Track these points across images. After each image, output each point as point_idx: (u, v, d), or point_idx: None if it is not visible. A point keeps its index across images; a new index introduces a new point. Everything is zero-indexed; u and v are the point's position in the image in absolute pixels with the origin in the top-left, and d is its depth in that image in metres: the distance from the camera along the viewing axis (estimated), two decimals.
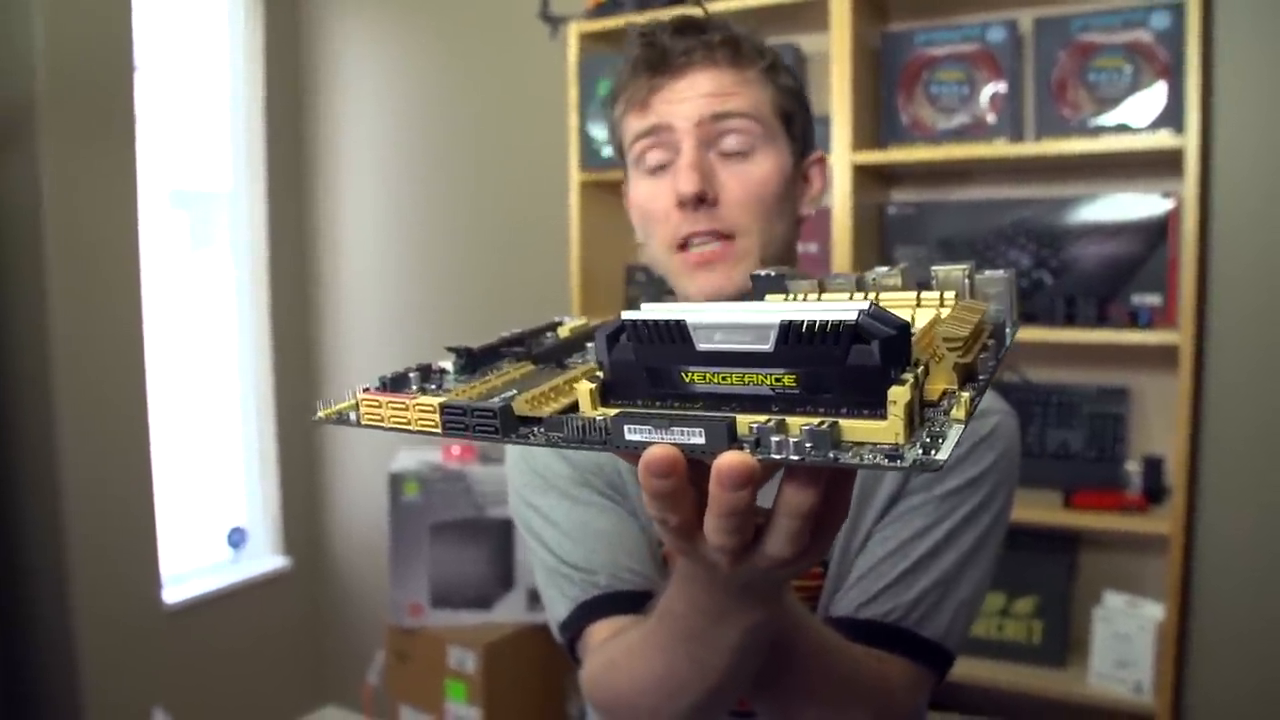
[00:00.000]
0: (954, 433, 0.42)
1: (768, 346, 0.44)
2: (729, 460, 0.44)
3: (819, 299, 0.61)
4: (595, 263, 2.51)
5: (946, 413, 0.44)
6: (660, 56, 0.96)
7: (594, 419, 0.47)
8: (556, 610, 1.02)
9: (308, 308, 3.23)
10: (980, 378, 0.49)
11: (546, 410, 0.49)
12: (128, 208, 2.62)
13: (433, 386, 0.55)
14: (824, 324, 0.43)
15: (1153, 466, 2.06)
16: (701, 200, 0.94)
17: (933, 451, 0.41)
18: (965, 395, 0.44)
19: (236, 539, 3.05)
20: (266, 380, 3.11)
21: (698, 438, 0.44)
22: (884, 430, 0.42)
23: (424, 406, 0.50)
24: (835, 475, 0.51)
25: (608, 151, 2.41)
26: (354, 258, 3.14)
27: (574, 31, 2.42)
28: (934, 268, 0.62)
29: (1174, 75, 1.98)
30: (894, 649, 0.94)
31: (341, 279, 3.17)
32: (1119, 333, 2.01)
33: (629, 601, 0.96)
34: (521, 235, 2.83)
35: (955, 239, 2.26)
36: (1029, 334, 2.07)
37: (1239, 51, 1.98)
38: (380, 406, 0.52)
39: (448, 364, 0.60)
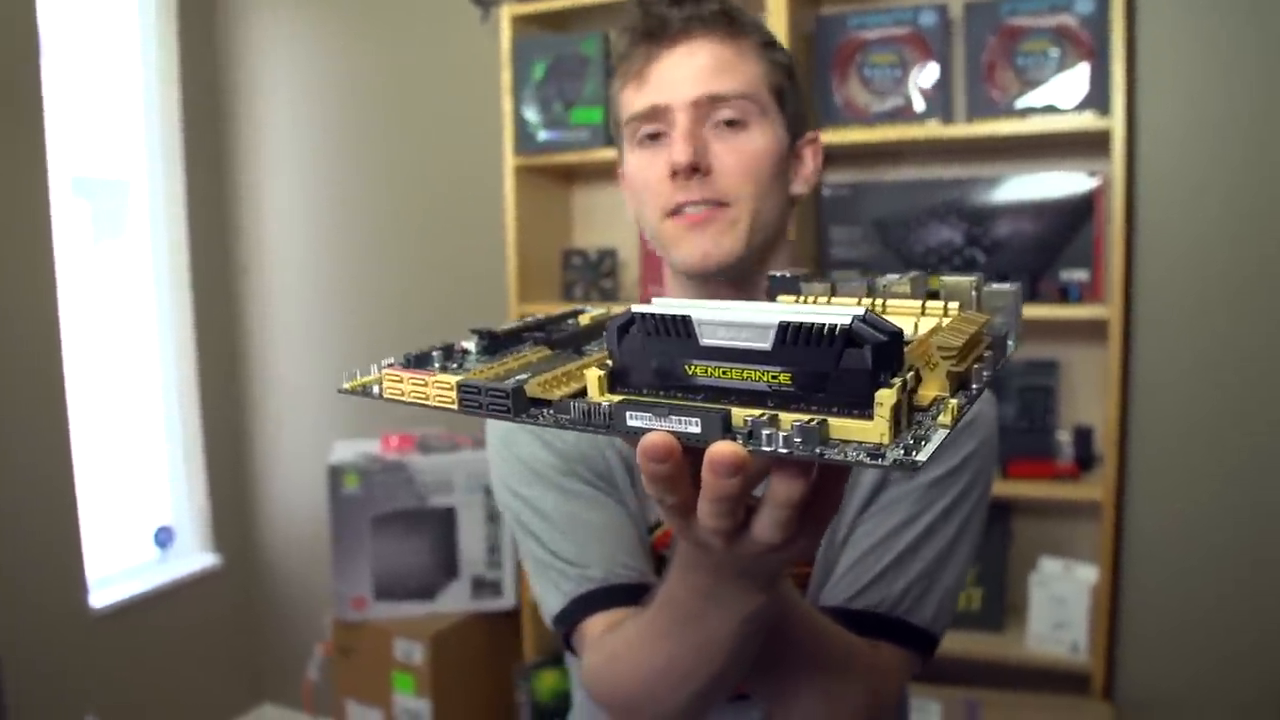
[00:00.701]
0: (937, 436, 0.45)
1: (766, 345, 0.47)
2: (720, 449, 0.47)
3: (829, 302, 0.64)
4: (532, 249, 2.50)
5: (934, 418, 0.46)
6: (659, 24, 0.97)
7: (599, 404, 0.50)
8: (549, 603, 1.01)
9: (231, 298, 3.14)
10: (974, 386, 0.51)
11: (557, 394, 0.52)
12: (37, 195, 2.51)
13: (454, 365, 0.58)
14: (820, 326, 0.46)
15: (1083, 436, 2.15)
16: (694, 170, 0.95)
17: (914, 453, 0.43)
18: (954, 402, 0.46)
19: (164, 538, 2.96)
20: (190, 373, 3.02)
21: (694, 427, 0.47)
22: (870, 430, 0.44)
23: (442, 384, 0.53)
24: (827, 470, 0.53)
25: (543, 135, 2.40)
26: (279, 246, 3.06)
27: (506, 14, 2.40)
28: (942, 278, 0.65)
29: (1098, 58, 2.04)
30: (884, 637, 0.96)
31: (266, 268, 3.09)
32: (1050, 308, 2.08)
33: (624, 594, 0.97)
34: (456, 222, 2.79)
35: (889, 219, 2.31)
36: None
37: (1162, 35, 2.06)
38: (402, 381, 0.55)
39: (470, 344, 0.62)
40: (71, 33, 2.72)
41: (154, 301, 2.97)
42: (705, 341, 0.49)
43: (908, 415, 0.45)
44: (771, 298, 0.67)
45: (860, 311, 0.46)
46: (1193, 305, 2.07)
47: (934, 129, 2.19)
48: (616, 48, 1.02)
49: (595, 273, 2.51)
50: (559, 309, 0.70)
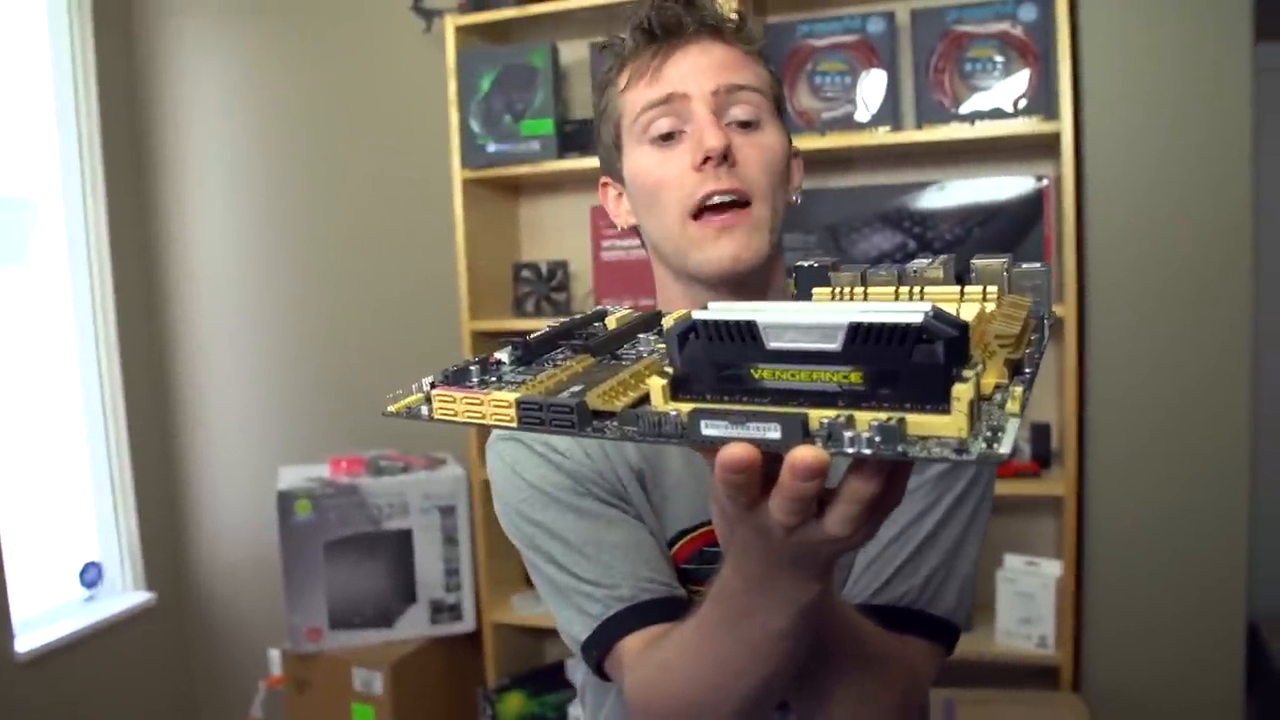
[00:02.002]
0: (1012, 426, 0.45)
1: (836, 346, 0.47)
2: (804, 455, 0.47)
3: (864, 292, 0.64)
4: (482, 262, 2.45)
5: (1000, 406, 0.47)
6: (675, 24, 0.96)
7: (669, 414, 0.49)
8: (575, 629, 0.98)
9: (157, 320, 3.00)
10: (1026, 370, 0.52)
11: (618, 404, 0.52)
12: None
13: (492, 379, 0.57)
14: (892, 325, 0.46)
15: (1040, 433, 2.19)
16: (724, 157, 0.93)
17: (995, 445, 0.44)
18: (1018, 390, 0.47)
19: (91, 576, 2.81)
20: (116, 402, 2.87)
21: (774, 433, 0.47)
22: (948, 425, 0.44)
23: (499, 402, 0.53)
24: (897, 465, 0.53)
25: (492, 147, 2.35)
26: (210, 267, 2.94)
27: (450, 25, 2.35)
28: (974, 260, 0.65)
29: (1043, 64, 2.10)
30: (911, 630, 0.96)
31: (194, 290, 2.96)
32: None
33: (656, 609, 0.94)
34: (403, 237, 2.72)
35: (840, 225, 2.33)
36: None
37: (1103, 40, 2.12)
38: (454, 402, 0.54)
39: (504, 355, 0.61)
40: None
41: (73, 327, 2.82)
42: (772, 345, 0.48)
43: (979, 407, 0.46)
44: (801, 289, 0.67)
45: (928, 308, 0.46)
46: (1144, 303, 2.14)
47: (883, 135, 2.22)
48: (620, 51, 1.00)
49: (547, 286, 2.48)
50: (512, 324, 0.69)
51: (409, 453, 2.59)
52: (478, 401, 0.53)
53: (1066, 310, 2.06)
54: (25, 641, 2.55)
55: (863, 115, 2.25)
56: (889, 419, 0.45)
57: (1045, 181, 2.18)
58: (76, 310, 2.82)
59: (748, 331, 0.49)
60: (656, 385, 0.51)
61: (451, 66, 2.35)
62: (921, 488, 0.99)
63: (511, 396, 0.52)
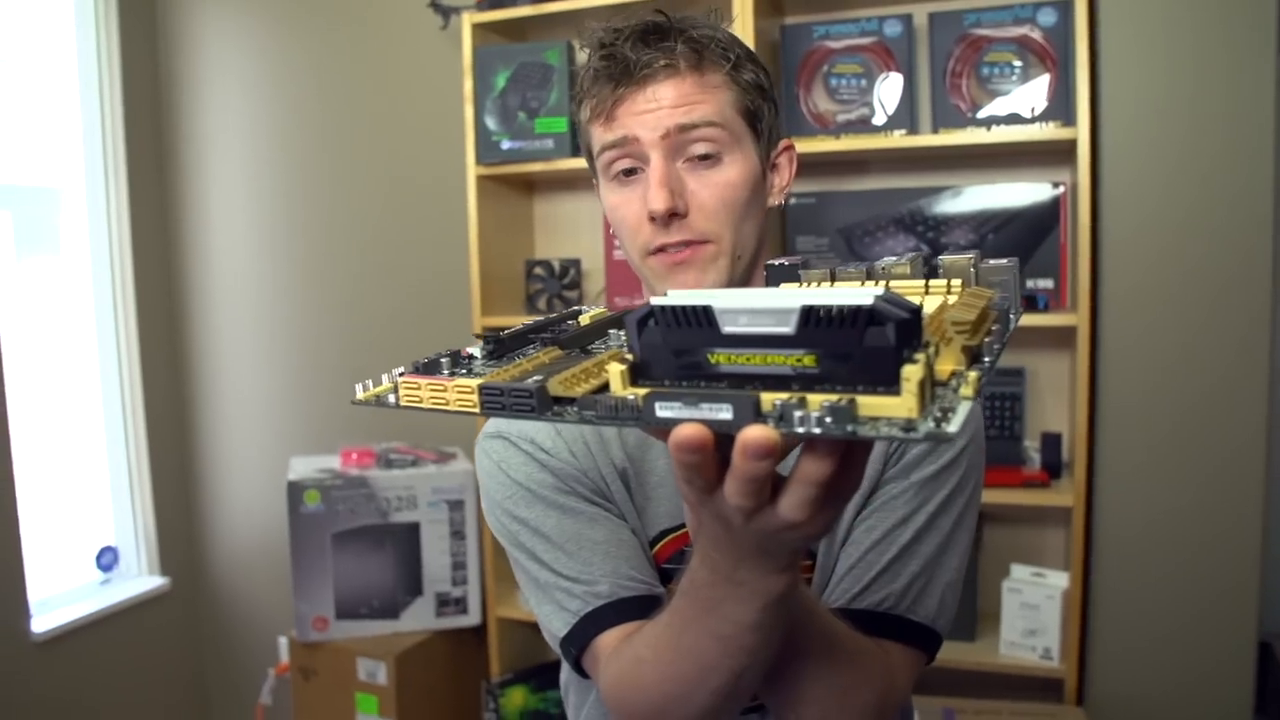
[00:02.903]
0: (963, 407, 0.46)
1: (790, 329, 0.48)
2: (753, 434, 0.48)
3: (831, 286, 0.65)
4: (494, 259, 2.46)
5: (955, 390, 0.48)
6: (622, 69, 0.96)
7: (626, 397, 0.50)
8: (554, 625, 0.99)
9: (175, 310, 3.04)
10: (985, 359, 0.53)
11: (578, 390, 0.53)
12: None
13: (463, 371, 0.59)
14: (843, 308, 0.46)
15: (1051, 443, 2.17)
16: (672, 216, 0.95)
17: (944, 424, 0.44)
18: (973, 374, 0.48)
19: (107, 560, 2.85)
20: (134, 389, 2.91)
21: (725, 413, 0.48)
22: (898, 405, 0.45)
23: (463, 388, 0.54)
24: (851, 448, 0.54)
25: (506, 145, 2.36)
26: (228, 257, 2.97)
27: (467, 22, 2.35)
28: (941, 256, 0.66)
29: (1061, 69, 2.07)
30: (890, 635, 0.96)
31: (214, 280, 2.99)
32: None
33: (634, 607, 0.96)
34: (416, 232, 2.74)
35: (854, 228, 2.31)
36: None
37: (1123, 46, 2.09)
38: (419, 389, 0.56)
39: (476, 350, 0.63)
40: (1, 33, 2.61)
41: (93, 315, 2.86)
42: (727, 329, 0.49)
43: (931, 390, 0.46)
44: (771, 285, 0.67)
45: (880, 291, 0.47)
46: (1158, 313, 2.10)
47: (899, 139, 2.20)
48: (581, 82, 1.01)
49: (559, 283, 2.48)
50: (523, 320, 0.70)
51: (419, 446, 2.60)
52: (441, 388, 0.55)
53: (1079, 319, 2.03)
54: (41, 622, 2.59)
55: (879, 118, 2.23)
56: (840, 399, 0.45)
57: (1062, 188, 2.15)
58: (97, 298, 2.86)
59: (704, 317, 0.49)
60: (615, 371, 0.52)
61: (468, 63, 2.36)
62: (905, 493, 1.00)
63: (474, 382, 0.54)
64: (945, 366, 0.49)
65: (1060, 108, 2.09)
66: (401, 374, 0.58)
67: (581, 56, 1.02)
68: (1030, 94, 2.12)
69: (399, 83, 2.71)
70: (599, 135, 0.99)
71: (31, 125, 2.75)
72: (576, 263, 2.49)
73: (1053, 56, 2.09)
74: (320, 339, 2.87)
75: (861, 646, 0.91)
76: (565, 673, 1.19)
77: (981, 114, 2.16)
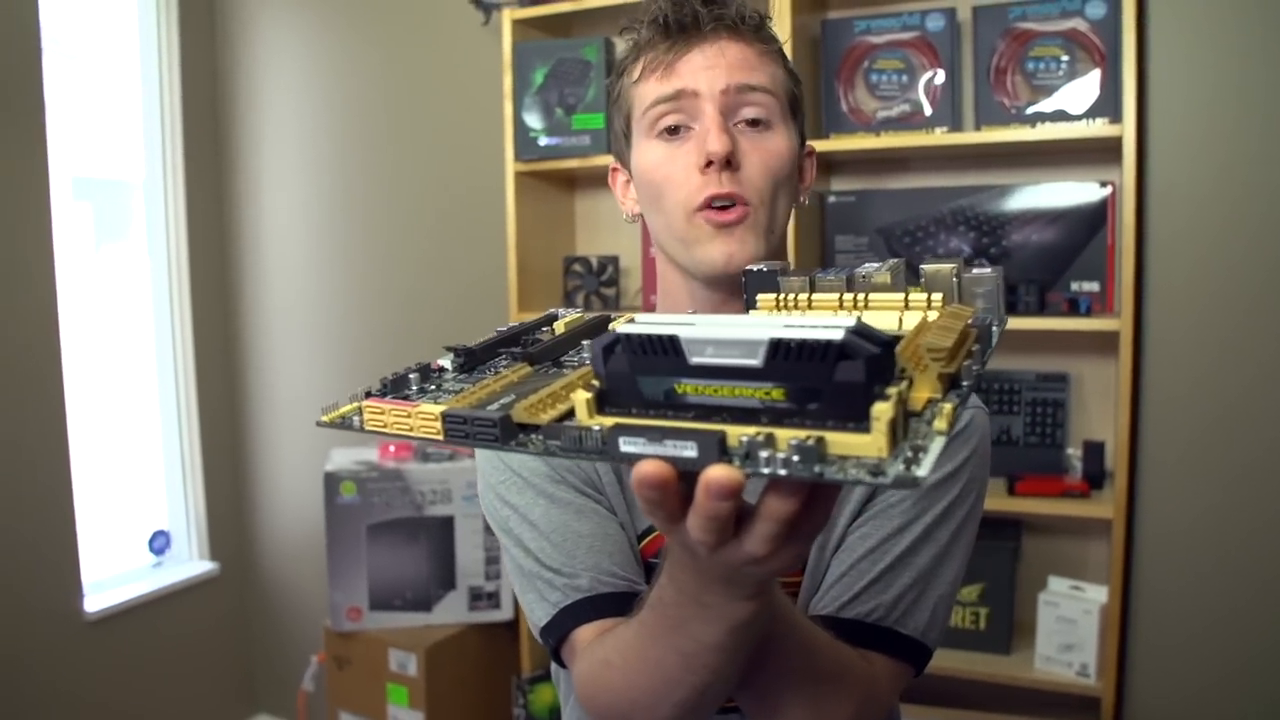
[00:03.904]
0: (935, 445, 0.44)
1: (757, 362, 0.46)
2: (715, 474, 0.47)
3: (809, 298, 0.64)
4: (533, 255, 2.46)
5: (929, 423, 0.46)
6: (692, 20, 0.96)
7: (591, 429, 0.49)
8: (537, 614, 1.00)
9: (229, 301, 3.11)
10: (964, 383, 0.51)
11: (544, 417, 0.51)
12: (38, 197, 2.50)
13: (431, 387, 0.58)
14: (813, 342, 0.45)
15: (1094, 451, 2.09)
16: (728, 163, 0.94)
17: (913, 467, 0.43)
18: (948, 406, 0.46)
19: (160, 544, 2.94)
20: (189, 378, 2.99)
21: (690, 451, 0.47)
22: (868, 445, 0.44)
23: (426, 415, 0.53)
24: (817, 486, 0.53)
25: (545, 141, 2.36)
26: (278, 251, 3.04)
27: (508, 18, 2.36)
28: (923, 265, 0.64)
29: (1110, 63, 1.99)
30: (876, 647, 0.94)
31: (265, 271, 3.06)
32: (1059, 320, 2.03)
33: (613, 603, 0.95)
34: (456, 227, 2.76)
35: (895, 227, 2.26)
36: None
37: (1173, 39, 2.01)
38: (384, 413, 0.55)
39: (447, 362, 0.62)
40: (73, 32, 2.71)
41: (152, 305, 2.95)
42: (694, 360, 0.48)
43: (904, 424, 0.45)
44: (749, 293, 0.66)
45: (851, 322, 0.46)
46: (1205, 317, 2.01)
47: (941, 136, 2.14)
48: (636, 42, 1.00)
49: (597, 280, 2.47)
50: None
51: None
52: (405, 414, 0.54)
53: (1123, 323, 1.95)
54: (94, 601, 2.68)
55: (920, 115, 2.17)
56: (808, 438, 0.44)
57: (1110, 188, 2.07)
58: (155, 288, 2.95)
59: (670, 346, 0.48)
60: (581, 399, 0.50)
61: (507, 59, 2.36)
62: (902, 503, 0.98)
63: (437, 409, 0.52)
64: (921, 395, 0.48)
65: (1109, 104, 2.01)
66: (369, 395, 0.57)
67: (621, 46, 1.02)
68: (1078, 90, 2.04)
69: (443, 80, 2.73)
70: (650, 90, 0.97)
71: (107, 120, 2.85)
72: (615, 260, 2.48)
73: (1101, 51, 2.02)
74: (365, 330, 2.91)
75: (842, 659, 0.89)
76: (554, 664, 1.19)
77: (1027, 111, 2.09)
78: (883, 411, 0.43)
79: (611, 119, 1.07)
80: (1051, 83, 2.07)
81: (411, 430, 0.54)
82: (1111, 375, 2.09)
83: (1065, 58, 2.05)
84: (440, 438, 0.52)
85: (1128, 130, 1.92)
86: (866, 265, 0.64)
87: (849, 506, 0.99)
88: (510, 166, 2.39)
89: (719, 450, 0.46)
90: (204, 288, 3.02)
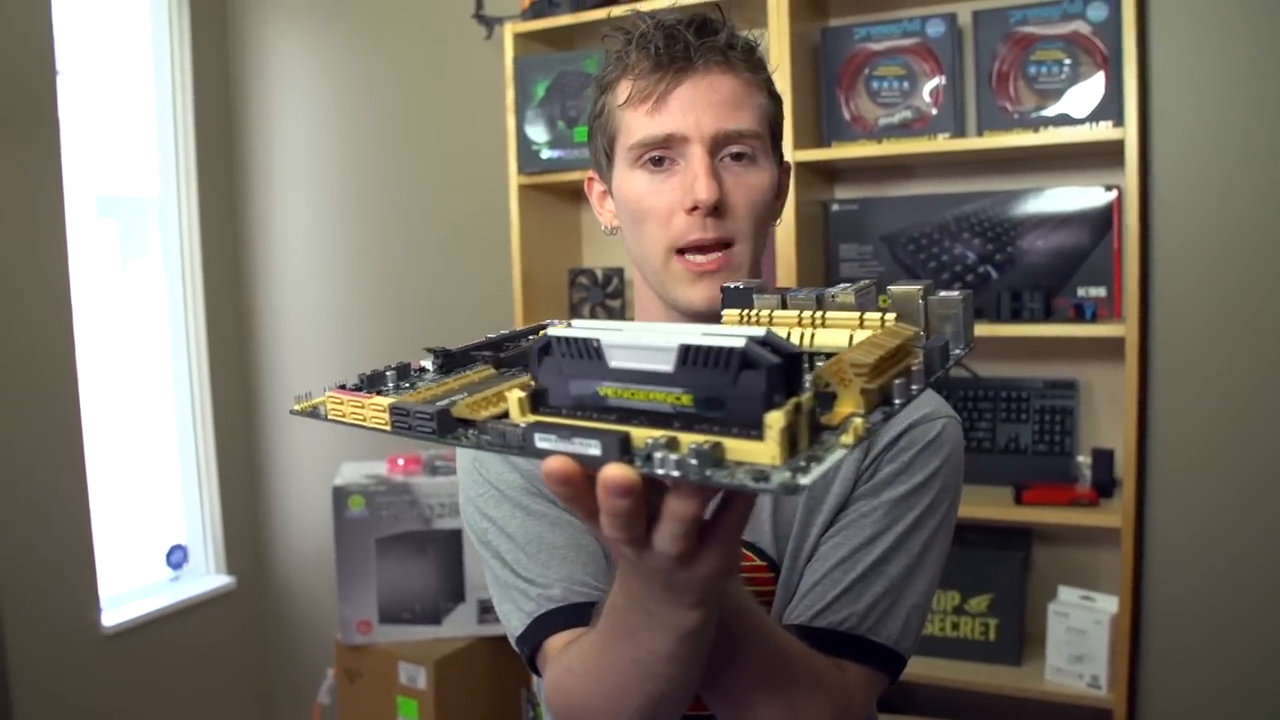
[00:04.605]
0: (832, 458, 0.45)
1: (669, 368, 0.48)
2: (610, 473, 0.49)
3: (770, 314, 0.66)
4: (537, 267, 2.47)
5: (839, 437, 0.47)
6: (683, 52, 0.95)
7: (515, 427, 0.52)
8: (513, 624, 1.01)
9: (243, 317, 3.14)
10: (896, 401, 0.52)
11: (483, 414, 0.54)
12: (54, 215, 2.54)
13: (406, 385, 0.61)
14: (717, 349, 0.47)
15: (1103, 459, 2.06)
16: (715, 209, 0.95)
17: (799, 476, 0.43)
18: (858, 422, 0.47)
19: (177, 558, 2.96)
20: (204, 392, 3.02)
21: (594, 449, 0.49)
22: (761, 451, 0.45)
23: (376, 406, 0.57)
24: (733, 491, 0.53)
25: (547, 154, 2.36)
26: (290, 264, 3.06)
27: (509, 32, 2.37)
28: (890, 287, 0.65)
29: (1114, 66, 1.97)
30: (850, 656, 0.94)
31: (277, 286, 3.09)
32: (1064, 327, 2.00)
33: (585, 613, 0.96)
34: (462, 239, 2.77)
35: (899, 235, 2.24)
36: (976, 329, 2.05)
37: (1174, 41, 1.98)
38: (343, 404, 0.59)
39: (428, 363, 0.65)
40: (88, 52, 2.75)
41: (168, 320, 2.98)
42: (614, 364, 0.50)
43: (809, 435, 0.46)
44: (724, 309, 0.68)
45: (760, 333, 0.47)
46: (1211, 321, 1.98)
47: (944, 142, 2.12)
48: (622, 63, 0.99)
49: (602, 292, 2.47)
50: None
51: None
52: (360, 405, 0.58)
53: (1128, 329, 1.92)
54: (112, 616, 2.71)
55: (922, 122, 2.16)
56: (705, 443, 0.46)
57: (1115, 192, 2.04)
58: (171, 304, 2.98)
59: (593, 350, 0.51)
60: (514, 398, 0.53)
61: (509, 73, 2.37)
62: (874, 512, 0.98)
63: (386, 402, 0.56)
64: (844, 409, 0.49)
65: (1113, 107, 1.98)
66: (339, 387, 0.60)
67: (627, 59, 1.01)
68: (1081, 93, 2.02)
69: (447, 94, 2.75)
70: (638, 124, 0.97)
71: (127, 138, 2.90)
72: (620, 272, 2.47)
73: (1104, 53, 1.99)
74: (374, 343, 2.93)
75: (816, 667, 0.89)
76: None
77: (1030, 115, 2.07)
78: (775, 420, 0.44)
79: (593, 132, 1.06)
80: (1054, 87, 2.05)
81: (365, 420, 0.57)
82: (1120, 382, 2.06)
83: (1067, 61, 2.03)
84: (388, 429, 0.56)
85: (1130, 133, 1.89)
86: (840, 285, 0.65)
87: (821, 516, 0.99)
88: (514, 179, 2.40)
89: (620, 450, 0.48)
90: (218, 302, 3.05)
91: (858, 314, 0.62)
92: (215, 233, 3.04)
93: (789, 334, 0.62)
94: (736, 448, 0.46)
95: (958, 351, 0.62)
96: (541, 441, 0.51)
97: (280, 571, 3.17)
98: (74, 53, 2.68)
